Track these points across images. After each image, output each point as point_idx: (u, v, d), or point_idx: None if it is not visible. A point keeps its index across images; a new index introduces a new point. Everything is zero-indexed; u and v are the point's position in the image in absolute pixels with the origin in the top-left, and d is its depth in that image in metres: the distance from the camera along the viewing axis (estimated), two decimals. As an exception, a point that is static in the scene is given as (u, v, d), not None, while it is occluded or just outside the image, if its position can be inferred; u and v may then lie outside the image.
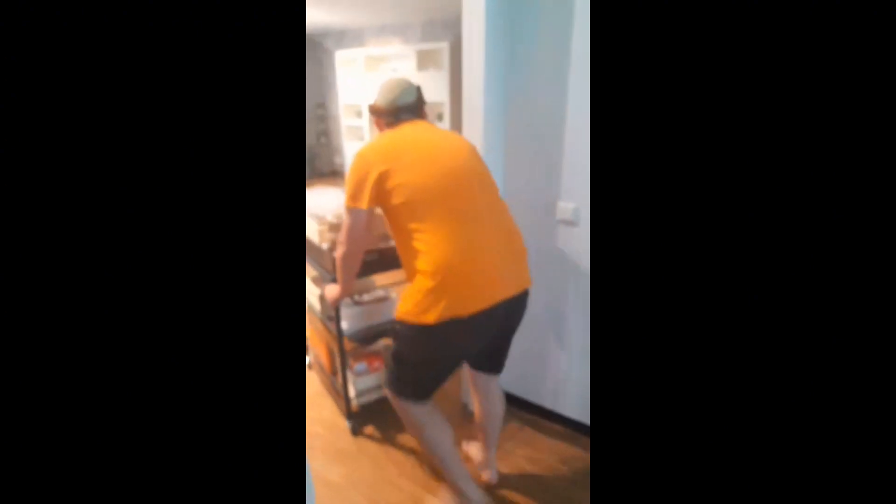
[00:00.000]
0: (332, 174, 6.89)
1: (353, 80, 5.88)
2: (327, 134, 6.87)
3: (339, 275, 1.20)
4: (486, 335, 1.07)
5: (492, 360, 1.23)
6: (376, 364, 1.74)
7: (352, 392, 1.70)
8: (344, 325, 1.60)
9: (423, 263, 0.99)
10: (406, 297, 1.03)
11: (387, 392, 1.18)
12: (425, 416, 1.15)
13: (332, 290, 1.33)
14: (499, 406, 1.30)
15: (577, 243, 1.57)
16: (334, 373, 1.76)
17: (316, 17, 5.18)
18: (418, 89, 1.20)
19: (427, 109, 1.21)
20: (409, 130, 1.11)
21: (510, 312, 1.08)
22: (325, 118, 6.80)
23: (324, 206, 1.68)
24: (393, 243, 1.32)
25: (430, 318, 0.98)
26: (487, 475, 1.41)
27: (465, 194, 1.03)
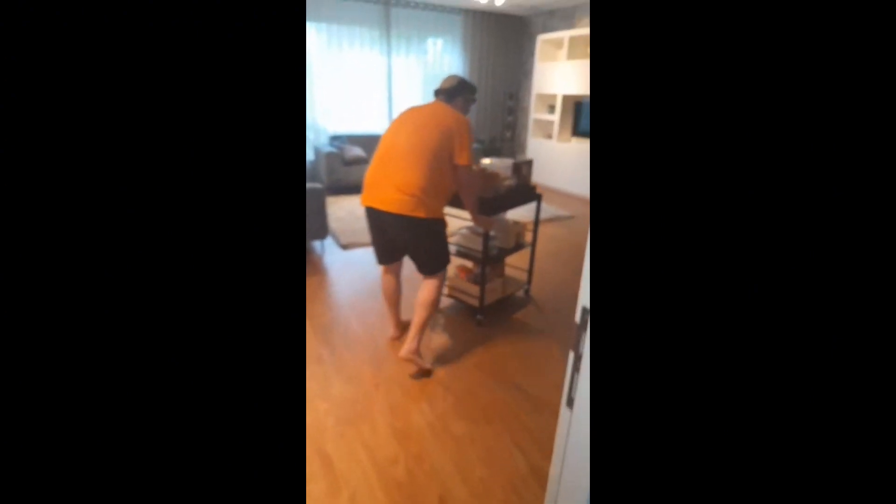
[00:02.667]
0: (512, 173, 6.76)
1: (551, 68, 5.59)
2: (514, 127, 6.75)
3: None
4: (377, 227, 1.94)
5: (413, 261, 2.00)
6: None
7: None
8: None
9: None
10: None
11: None
12: (382, 275, 2.16)
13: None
14: (420, 299, 2.00)
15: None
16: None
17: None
18: (457, 81, 1.95)
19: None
20: (421, 106, 1.92)
21: (390, 222, 1.83)
22: (515, 110, 6.69)
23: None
24: (507, 187, 2.43)
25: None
26: (403, 350, 2.02)
27: (395, 147, 1.81)
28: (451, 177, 1.86)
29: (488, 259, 2.39)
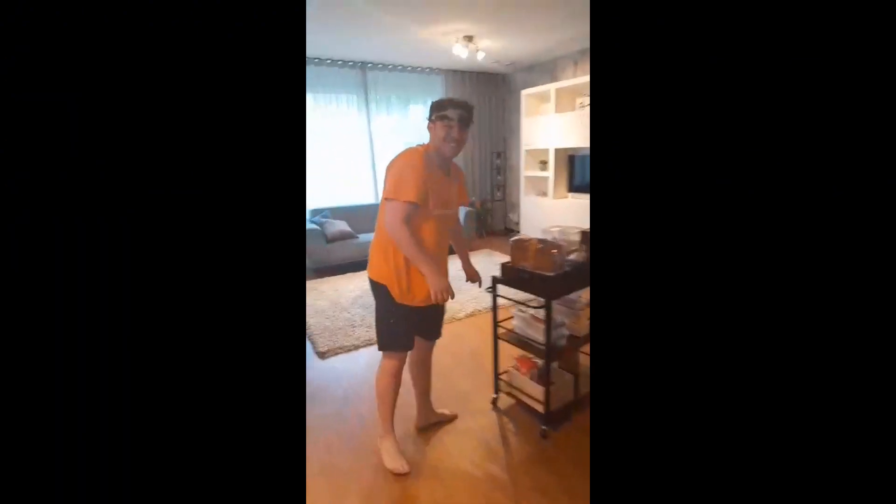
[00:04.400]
0: (507, 232, 6.24)
1: (539, 122, 5.23)
2: (504, 187, 6.32)
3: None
4: None
5: None
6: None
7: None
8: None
9: None
10: None
11: None
12: None
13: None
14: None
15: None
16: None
17: (500, 47, 4.73)
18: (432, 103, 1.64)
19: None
20: None
21: None
22: (503, 169, 6.30)
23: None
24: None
25: None
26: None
27: None
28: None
29: (555, 350, 1.85)
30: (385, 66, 5.22)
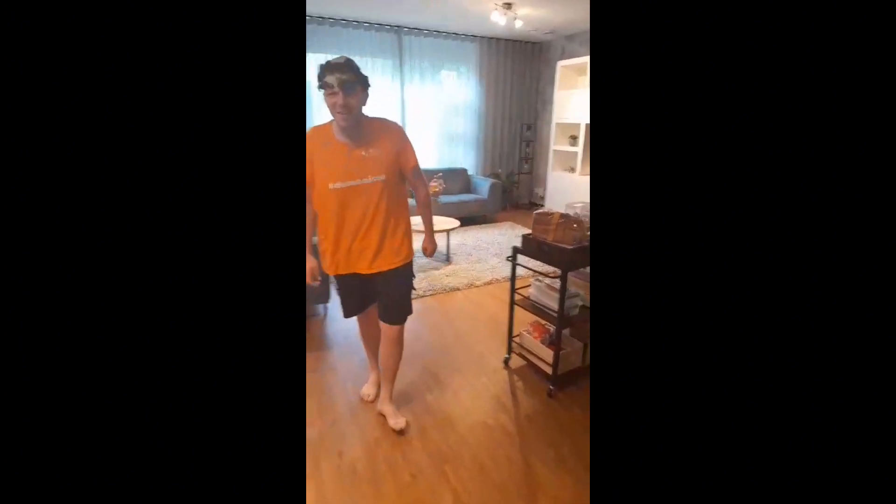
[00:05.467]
0: (531, 206, 6.28)
1: (572, 95, 5.17)
2: (532, 160, 6.31)
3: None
4: None
5: None
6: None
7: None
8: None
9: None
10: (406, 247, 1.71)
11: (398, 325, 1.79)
12: None
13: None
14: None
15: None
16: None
17: (540, 15, 4.65)
18: None
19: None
20: None
21: None
22: (532, 142, 6.27)
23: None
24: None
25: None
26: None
27: None
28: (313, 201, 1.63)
29: (568, 320, 2.01)
30: (420, 31, 5.21)
